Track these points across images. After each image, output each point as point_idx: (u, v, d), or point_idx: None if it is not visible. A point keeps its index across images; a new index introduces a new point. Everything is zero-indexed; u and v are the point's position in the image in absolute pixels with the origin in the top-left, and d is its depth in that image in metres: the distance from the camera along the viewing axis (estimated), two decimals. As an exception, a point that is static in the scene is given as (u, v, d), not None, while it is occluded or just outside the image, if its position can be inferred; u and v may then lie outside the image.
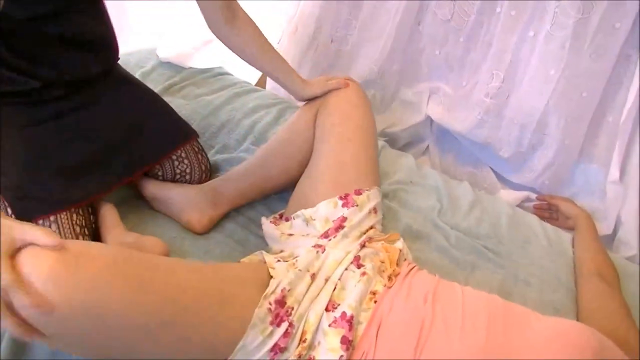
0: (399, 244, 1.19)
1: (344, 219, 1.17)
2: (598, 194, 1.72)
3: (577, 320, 1.26)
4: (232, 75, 1.97)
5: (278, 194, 1.43)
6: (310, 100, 1.38)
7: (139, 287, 0.82)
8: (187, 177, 1.41)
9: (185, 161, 1.40)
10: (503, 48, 1.64)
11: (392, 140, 1.91)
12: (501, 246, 1.47)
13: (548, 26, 1.51)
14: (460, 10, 1.69)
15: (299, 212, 1.21)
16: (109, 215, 1.28)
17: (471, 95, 1.76)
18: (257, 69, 1.42)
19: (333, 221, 1.17)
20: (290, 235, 1.21)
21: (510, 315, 0.99)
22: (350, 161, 1.25)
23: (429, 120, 1.91)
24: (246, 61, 1.37)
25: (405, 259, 1.17)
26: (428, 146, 1.96)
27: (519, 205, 1.75)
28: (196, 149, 1.43)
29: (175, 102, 1.49)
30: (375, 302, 1.00)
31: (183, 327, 0.85)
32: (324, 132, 1.29)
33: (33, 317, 0.73)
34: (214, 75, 1.92)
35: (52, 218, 1.14)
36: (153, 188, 1.37)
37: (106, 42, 1.31)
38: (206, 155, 1.47)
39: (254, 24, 1.32)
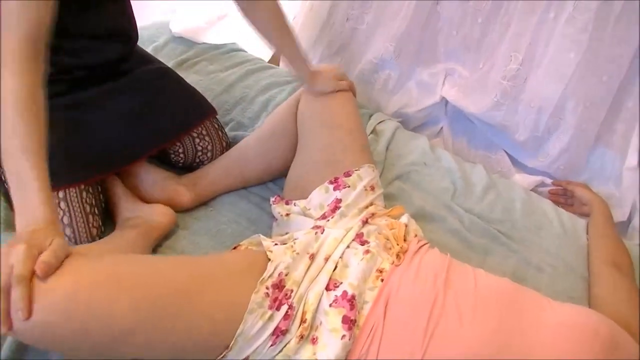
0: (404, 218, 1.18)
1: (339, 200, 1.17)
2: (613, 180, 1.70)
3: (590, 308, 1.25)
4: (245, 51, 1.95)
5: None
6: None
7: (125, 289, 0.82)
8: (209, 154, 1.41)
9: (207, 138, 1.39)
10: (522, 30, 1.61)
11: (406, 121, 1.89)
12: (515, 231, 1.47)
13: (570, 8, 1.49)
14: (479, -10, 1.66)
15: (295, 202, 1.22)
16: (115, 188, 1.28)
17: (488, 78, 1.73)
18: (271, 47, 1.39)
19: (327, 205, 1.17)
20: (288, 215, 1.22)
21: (522, 300, 0.99)
22: (336, 145, 1.25)
23: (444, 102, 1.89)
24: (261, 38, 1.35)
25: (415, 235, 1.15)
26: (442, 128, 1.94)
27: (533, 190, 1.73)
28: (216, 126, 1.43)
29: (189, 78, 1.48)
30: (382, 280, 0.99)
31: (170, 325, 0.85)
32: (308, 120, 1.30)
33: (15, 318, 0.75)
34: (228, 51, 1.90)
35: (60, 195, 1.13)
36: (139, 167, 1.35)
37: (126, 31, 1.31)
38: (225, 132, 1.46)
39: (276, 2, 1.29)
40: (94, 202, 1.19)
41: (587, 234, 1.51)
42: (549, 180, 1.77)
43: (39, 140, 0.85)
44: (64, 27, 0.99)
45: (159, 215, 1.25)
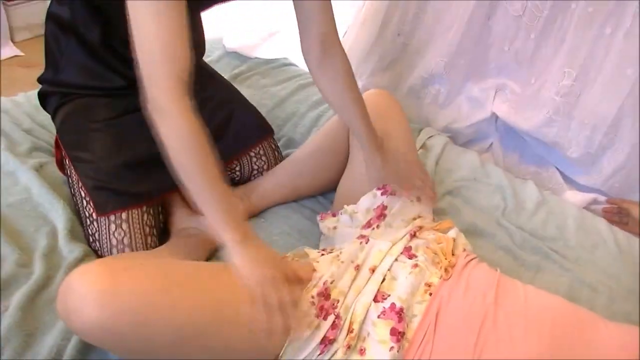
0: (452, 232, 1.17)
1: (384, 207, 1.18)
2: (671, 199, 1.65)
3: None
4: (297, 66, 1.98)
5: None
6: None
7: (178, 298, 0.85)
8: (263, 173, 1.43)
9: (263, 158, 1.42)
10: (577, 45, 1.59)
11: (455, 136, 1.89)
12: (568, 249, 1.44)
13: (628, 23, 1.46)
14: (532, 5, 1.64)
15: (343, 209, 1.23)
16: (172, 199, 1.31)
17: (540, 94, 1.71)
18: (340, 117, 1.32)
19: (374, 210, 1.19)
20: (335, 228, 1.23)
21: (576, 320, 0.97)
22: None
23: (494, 118, 1.87)
24: (330, 105, 1.30)
25: (464, 249, 1.15)
26: (492, 143, 1.92)
27: (585, 208, 1.69)
28: (273, 146, 1.45)
29: (242, 92, 1.52)
30: (431, 294, 0.99)
31: (226, 329, 0.88)
32: None
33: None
34: (279, 65, 1.94)
35: (124, 216, 1.15)
36: None
37: (198, 44, 1.34)
38: (281, 152, 1.48)
39: (349, 70, 1.22)
40: (153, 223, 1.22)
41: (643, 254, 1.47)
42: (602, 198, 1.73)
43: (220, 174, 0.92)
44: None
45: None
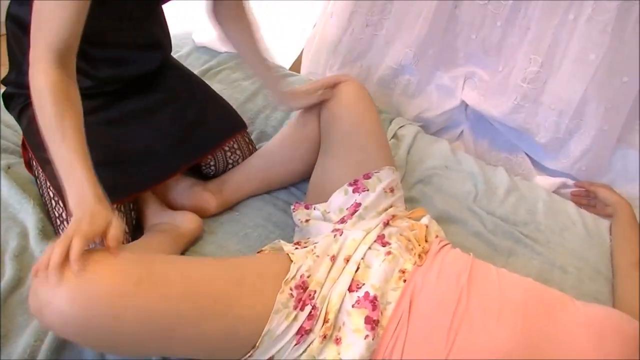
0: (425, 220, 1.19)
1: (358, 204, 1.18)
2: (637, 180, 1.69)
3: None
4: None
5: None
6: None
7: (151, 289, 0.84)
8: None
9: (238, 152, 1.42)
10: (542, 32, 1.61)
11: (426, 126, 1.90)
12: (538, 233, 1.47)
13: (589, 9, 1.48)
14: (498, -7, 1.67)
15: (315, 206, 1.24)
16: (143, 195, 1.30)
17: (507, 81, 1.73)
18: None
19: (347, 209, 1.19)
20: (307, 221, 1.23)
21: (546, 300, 0.99)
22: (357, 147, 1.26)
23: (464, 106, 1.89)
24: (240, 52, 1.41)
25: (436, 236, 1.16)
26: (462, 131, 1.94)
27: (555, 192, 1.73)
28: (247, 140, 1.45)
29: (213, 87, 1.51)
30: (405, 281, 1.00)
31: (200, 323, 0.87)
32: (329, 124, 1.30)
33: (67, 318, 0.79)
34: (250, 59, 1.93)
35: None
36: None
37: (161, 41, 1.34)
38: (255, 146, 1.48)
39: (252, 32, 1.33)
40: (126, 220, 1.20)
41: (610, 235, 1.51)
42: (570, 182, 1.76)
43: (77, 127, 0.93)
44: (103, 38, 1.01)
45: (186, 222, 1.27)
